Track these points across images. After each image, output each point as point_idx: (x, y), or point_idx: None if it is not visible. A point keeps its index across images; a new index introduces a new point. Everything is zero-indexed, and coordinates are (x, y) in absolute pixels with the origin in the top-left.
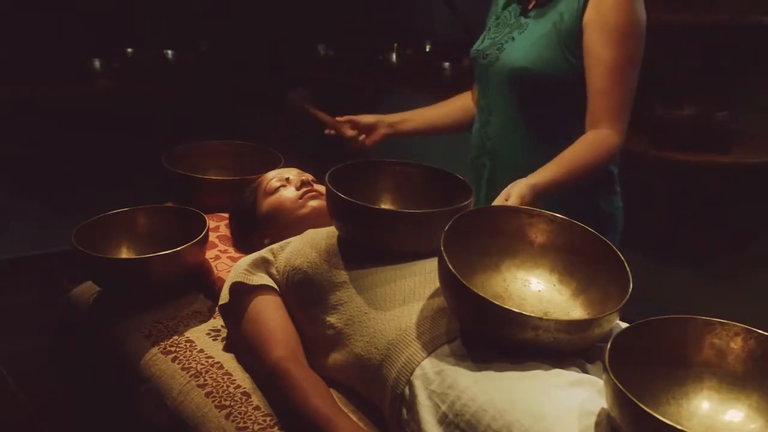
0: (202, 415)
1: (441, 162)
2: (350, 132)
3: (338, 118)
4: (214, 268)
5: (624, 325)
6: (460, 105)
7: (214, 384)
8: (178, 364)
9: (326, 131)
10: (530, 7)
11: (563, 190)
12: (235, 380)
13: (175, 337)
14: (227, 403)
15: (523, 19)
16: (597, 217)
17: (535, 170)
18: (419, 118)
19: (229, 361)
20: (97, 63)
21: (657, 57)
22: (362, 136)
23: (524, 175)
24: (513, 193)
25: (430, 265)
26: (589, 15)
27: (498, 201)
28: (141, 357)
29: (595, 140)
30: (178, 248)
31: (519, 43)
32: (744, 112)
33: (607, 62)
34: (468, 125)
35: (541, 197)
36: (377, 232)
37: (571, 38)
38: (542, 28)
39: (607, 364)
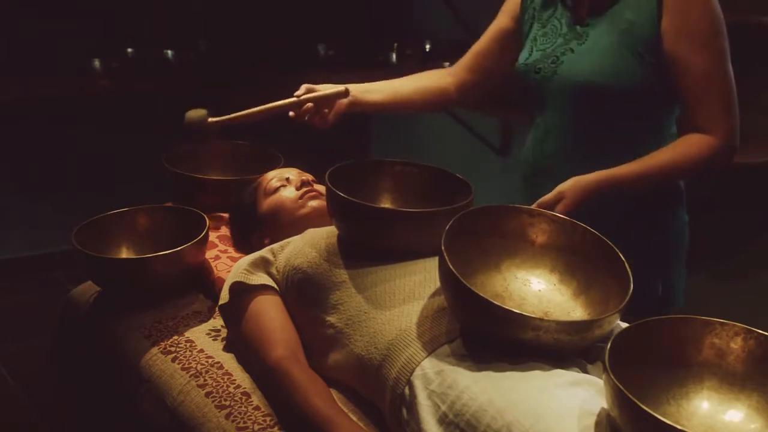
0: (202, 415)
1: (441, 162)
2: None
3: (296, 94)
4: (214, 268)
5: (624, 325)
6: (436, 87)
7: (214, 384)
8: (178, 364)
9: (290, 113)
10: (586, 14)
11: (638, 188)
12: (235, 380)
13: (175, 337)
14: (227, 403)
15: (579, 28)
16: (662, 234)
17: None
18: (387, 91)
19: (229, 361)
20: (97, 63)
21: None
22: (325, 110)
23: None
24: (567, 194)
25: (431, 265)
26: (668, 21)
27: (547, 200)
28: (141, 357)
29: (686, 141)
30: (178, 248)
31: (581, 54)
32: (744, 112)
33: (700, 71)
34: (440, 109)
35: (607, 193)
36: (377, 232)
37: (645, 47)
38: (608, 37)
39: (607, 365)
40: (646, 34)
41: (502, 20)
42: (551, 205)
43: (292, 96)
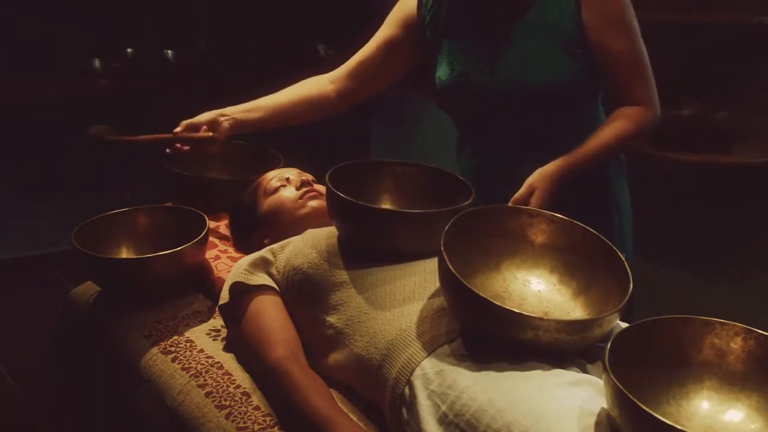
0: (202, 415)
1: (441, 162)
2: (196, 134)
3: (175, 131)
4: (214, 268)
5: (624, 325)
6: (316, 95)
7: (214, 384)
8: (178, 364)
9: (167, 150)
10: (506, 19)
11: (594, 166)
12: (235, 380)
13: (175, 337)
14: (227, 403)
15: (501, 33)
16: (618, 208)
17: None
18: (267, 107)
19: (229, 361)
20: (97, 63)
21: (657, 57)
22: (211, 134)
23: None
24: (537, 184)
25: (431, 265)
26: (588, 13)
27: (521, 195)
28: (141, 357)
29: (623, 115)
30: (178, 248)
31: (512, 58)
32: (744, 112)
33: (627, 54)
34: (322, 117)
35: (571, 177)
36: (377, 232)
37: (571, 42)
38: (535, 38)
39: (607, 364)
40: (570, 29)
41: (390, 30)
42: (525, 200)
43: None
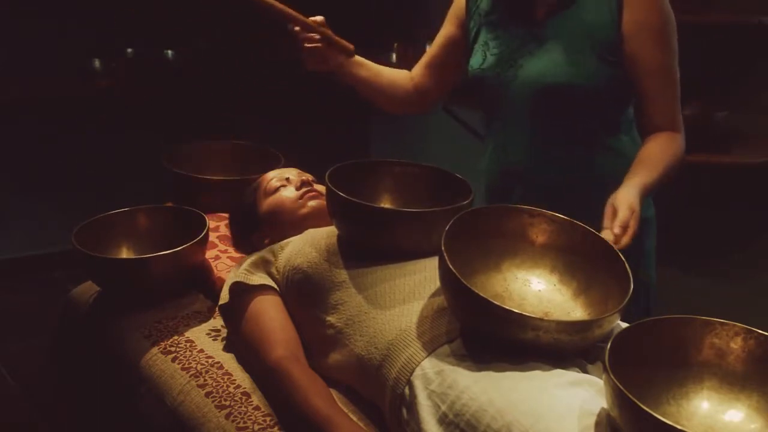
0: (202, 415)
1: (441, 162)
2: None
3: (312, 19)
4: (214, 268)
5: (624, 325)
6: (404, 86)
7: (214, 384)
8: (178, 364)
9: (295, 28)
10: (542, 16)
11: (657, 190)
12: (235, 380)
13: (175, 337)
14: (227, 403)
15: (536, 30)
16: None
17: (565, 190)
18: (373, 71)
19: (229, 361)
20: (97, 63)
21: None
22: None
23: (556, 197)
24: (621, 205)
25: (431, 265)
26: (629, 20)
27: (607, 221)
28: (141, 357)
29: (666, 142)
30: (178, 248)
31: (542, 57)
32: (744, 112)
33: (660, 67)
34: (402, 108)
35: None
36: (377, 232)
37: (606, 47)
38: (568, 38)
39: (607, 364)
40: (607, 33)
41: (448, 28)
42: (628, 222)
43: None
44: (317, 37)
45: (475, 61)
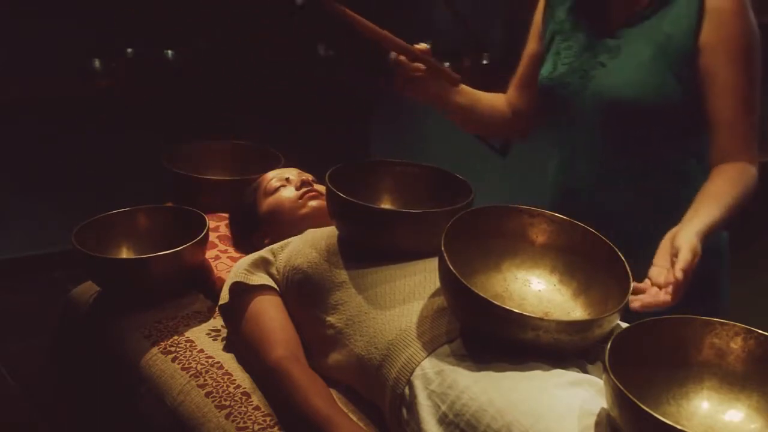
0: (202, 415)
1: (441, 162)
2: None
3: (416, 47)
4: (214, 268)
5: (624, 325)
6: (503, 107)
7: (214, 384)
8: (178, 364)
9: (392, 56)
10: (617, 26)
11: (721, 229)
12: (235, 380)
13: (175, 337)
14: (227, 403)
15: (610, 41)
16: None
17: (630, 214)
18: (472, 98)
19: (229, 361)
20: (97, 63)
21: None
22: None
23: (621, 219)
24: (683, 246)
25: (431, 265)
26: (707, 35)
27: (661, 258)
28: (141, 357)
29: (736, 174)
30: (178, 248)
31: (614, 69)
32: None
33: (735, 89)
34: (498, 131)
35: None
36: (377, 232)
37: (683, 61)
38: (643, 50)
39: (607, 364)
40: (684, 47)
41: (531, 45)
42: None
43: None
44: (423, 67)
45: (546, 69)
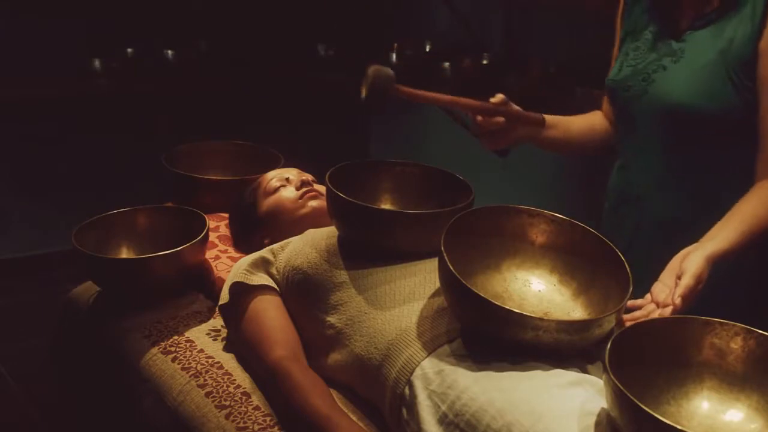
0: (202, 415)
1: (441, 162)
2: (487, 120)
3: (492, 100)
4: (214, 268)
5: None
6: (601, 123)
7: (214, 384)
8: (178, 364)
9: (478, 118)
10: (684, 28)
11: (740, 253)
12: (235, 380)
13: (175, 337)
14: (227, 403)
15: (675, 44)
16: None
17: (685, 224)
18: (564, 127)
19: (229, 361)
20: (97, 63)
21: None
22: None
23: (674, 234)
24: (688, 270)
25: (431, 265)
26: (767, 41)
27: (668, 276)
28: (141, 357)
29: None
30: (178, 248)
31: (674, 73)
32: None
33: None
34: (606, 148)
35: (717, 265)
36: (377, 232)
37: (741, 66)
38: (705, 56)
39: (607, 364)
40: (744, 52)
41: (615, 50)
42: (693, 293)
43: (480, 100)
44: (502, 120)
45: (612, 71)
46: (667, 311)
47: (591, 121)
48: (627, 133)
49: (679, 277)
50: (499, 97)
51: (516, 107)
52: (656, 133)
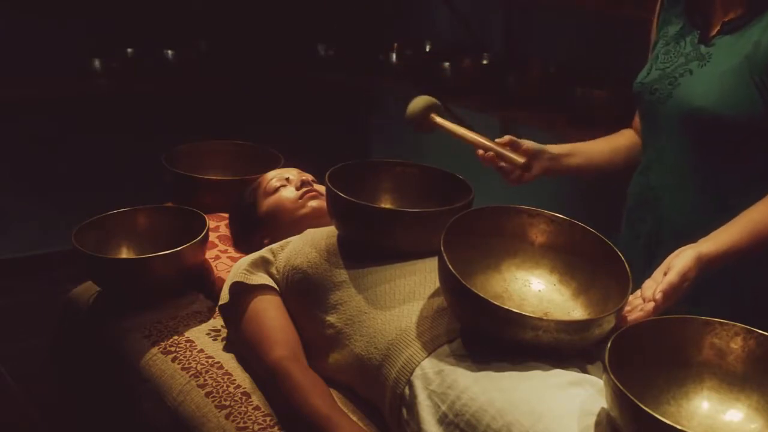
0: (202, 415)
1: (441, 162)
2: (509, 157)
3: (497, 140)
4: (214, 268)
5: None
6: (626, 143)
7: (214, 384)
8: (178, 364)
9: (479, 153)
10: (714, 33)
11: (740, 259)
12: (235, 380)
13: (175, 337)
14: (227, 403)
15: (703, 48)
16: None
17: (705, 227)
18: (586, 154)
19: (229, 361)
20: (97, 63)
21: None
22: (517, 172)
23: (693, 238)
24: (675, 267)
25: (430, 265)
26: None
27: (659, 272)
28: (141, 357)
29: None
30: (178, 248)
31: (699, 77)
32: None
33: None
34: (632, 165)
35: (712, 269)
36: (377, 232)
37: (766, 71)
38: (731, 61)
39: (607, 364)
40: (765, 57)
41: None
42: (678, 291)
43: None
44: (490, 155)
45: (641, 74)
46: (649, 306)
47: (615, 144)
48: (650, 136)
49: (665, 273)
50: (505, 138)
51: (523, 143)
52: (678, 137)
